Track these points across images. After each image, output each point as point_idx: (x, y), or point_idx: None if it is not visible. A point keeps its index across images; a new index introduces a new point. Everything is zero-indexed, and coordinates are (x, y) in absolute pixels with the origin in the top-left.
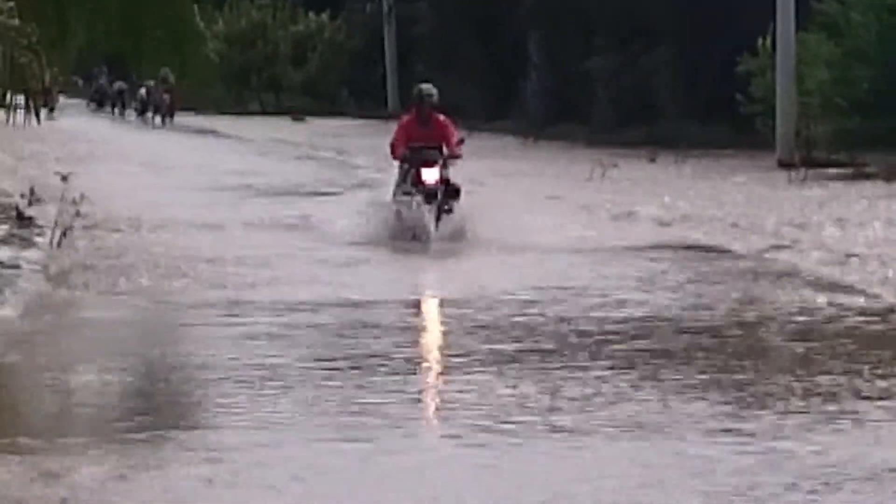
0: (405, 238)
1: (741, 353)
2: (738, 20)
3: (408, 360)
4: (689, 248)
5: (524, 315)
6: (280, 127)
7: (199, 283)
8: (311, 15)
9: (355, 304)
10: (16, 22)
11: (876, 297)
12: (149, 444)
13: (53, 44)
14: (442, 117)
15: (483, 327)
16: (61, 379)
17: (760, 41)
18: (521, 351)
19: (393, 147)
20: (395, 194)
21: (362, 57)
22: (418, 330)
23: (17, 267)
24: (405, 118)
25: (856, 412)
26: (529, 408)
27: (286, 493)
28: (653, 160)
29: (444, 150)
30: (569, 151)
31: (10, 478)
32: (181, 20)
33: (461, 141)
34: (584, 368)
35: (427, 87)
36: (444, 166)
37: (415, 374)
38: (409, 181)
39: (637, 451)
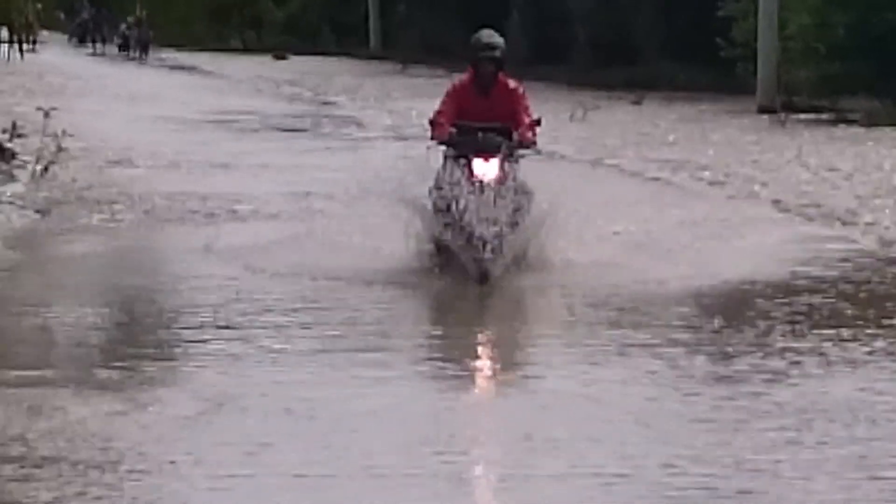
0: (451, 270)
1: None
2: None
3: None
4: (664, 183)
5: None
6: (261, 64)
7: (175, 217)
8: None
9: (331, 241)
10: None
11: (852, 240)
12: (130, 378)
13: None
14: (512, 83)
15: None
16: (42, 312)
17: None
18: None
19: (434, 123)
20: (433, 191)
21: None
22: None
23: None
24: (458, 81)
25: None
26: None
27: (274, 426)
28: (637, 103)
29: (513, 133)
30: (552, 91)
31: None
32: None
33: (537, 122)
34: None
35: (488, 34)
36: (510, 157)
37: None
38: (456, 176)
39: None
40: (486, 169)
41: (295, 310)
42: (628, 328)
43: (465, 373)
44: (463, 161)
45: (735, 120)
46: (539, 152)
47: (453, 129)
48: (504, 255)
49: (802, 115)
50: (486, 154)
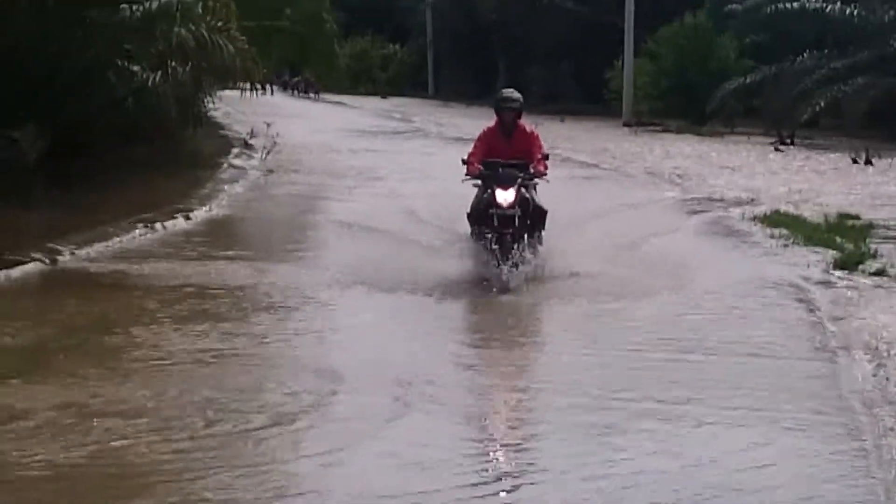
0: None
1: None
2: (604, 49)
3: None
4: (580, 163)
5: None
6: (374, 101)
7: (336, 174)
8: (391, 45)
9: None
10: (246, 46)
11: (669, 182)
12: (305, 254)
13: (263, 57)
14: (528, 128)
15: None
16: (265, 220)
17: (615, 62)
18: None
19: (467, 162)
20: (470, 216)
21: (416, 66)
22: None
23: (244, 169)
24: (487, 128)
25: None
26: None
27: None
28: (562, 121)
29: (529, 166)
30: None
31: (240, 272)
32: (328, 47)
33: (546, 157)
34: None
35: (509, 92)
36: (526, 185)
37: None
38: (484, 204)
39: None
40: (506, 196)
41: (399, 230)
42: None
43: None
44: (489, 190)
45: (612, 130)
46: (547, 180)
47: (481, 167)
48: (522, 271)
49: (644, 128)
50: (505, 185)
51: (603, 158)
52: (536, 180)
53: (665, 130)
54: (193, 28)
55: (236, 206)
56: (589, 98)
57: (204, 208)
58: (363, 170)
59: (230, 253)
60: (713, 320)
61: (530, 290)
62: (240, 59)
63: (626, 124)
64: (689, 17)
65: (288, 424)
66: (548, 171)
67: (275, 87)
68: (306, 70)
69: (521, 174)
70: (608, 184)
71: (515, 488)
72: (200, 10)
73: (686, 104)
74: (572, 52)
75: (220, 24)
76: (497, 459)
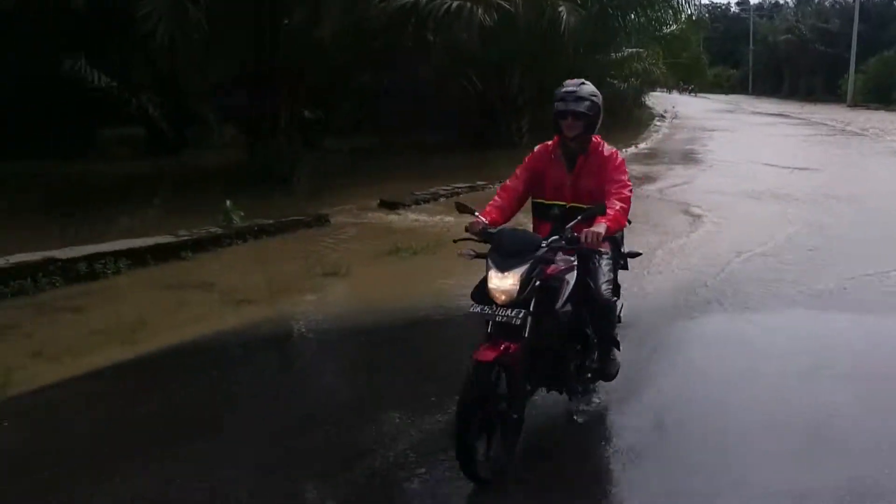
0: None
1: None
2: (839, 70)
3: None
4: (818, 123)
5: None
6: (722, 95)
7: (702, 130)
8: (732, 69)
9: None
10: (665, 70)
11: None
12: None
13: (671, 75)
14: (606, 150)
15: None
16: (671, 148)
17: (845, 76)
18: None
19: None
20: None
21: (745, 78)
22: None
23: (661, 126)
24: (541, 145)
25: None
26: None
27: None
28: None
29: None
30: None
31: (657, 167)
32: (702, 71)
33: (626, 199)
34: None
35: (574, 84)
36: (571, 266)
37: None
38: (478, 295)
39: None
40: (500, 284)
41: None
42: None
43: None
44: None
45: (842, 109)
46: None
47: (485, 221)
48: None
49: (856, 108)
50: (503, 265)
51: (829, 121)
52: (604, 251)
53: (867, 109)
54: (642, 63)
55: (657, 142)
56: (832, 93)
57: (643, 143)
58: (715, 126)
59: (663, 160)
60: None
61: None
62: (661, 76)
63: (848, 106)
64: (886, 53)
65: None
66: (625, 224)
67: (675, 91)
68: (691, 81)
69: (545, 244)
70: (826, 130)
71: None
72: (645, 56)
73: (877, 96)
74: (825, 70)
75: (653, 61)
76: None
